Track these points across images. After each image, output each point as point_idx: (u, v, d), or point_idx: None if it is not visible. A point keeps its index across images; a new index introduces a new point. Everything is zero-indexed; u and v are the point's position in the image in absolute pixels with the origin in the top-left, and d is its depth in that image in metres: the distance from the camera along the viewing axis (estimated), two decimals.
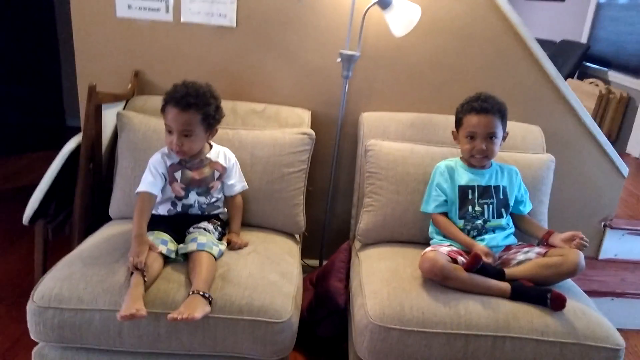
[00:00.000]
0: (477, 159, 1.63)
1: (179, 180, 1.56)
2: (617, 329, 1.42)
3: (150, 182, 1.50)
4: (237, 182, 1.66)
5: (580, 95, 3.97)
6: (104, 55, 1.95)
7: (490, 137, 1.61)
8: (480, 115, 1.59)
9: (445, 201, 1.64)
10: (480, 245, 1.54)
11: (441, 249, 1.50)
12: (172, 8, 1.89)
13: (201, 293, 1.29)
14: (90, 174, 1.73)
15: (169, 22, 1.92)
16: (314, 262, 2.19)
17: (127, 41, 1.94)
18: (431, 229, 1.69)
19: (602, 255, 2.37)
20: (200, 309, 1.25)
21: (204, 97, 1.51)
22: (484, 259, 1.45)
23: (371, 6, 1.80)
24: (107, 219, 1.74)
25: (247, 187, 1.68)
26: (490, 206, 1.62)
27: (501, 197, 1.65)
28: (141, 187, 1.50)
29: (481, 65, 2.01)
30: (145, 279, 1.31)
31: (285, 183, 1.73)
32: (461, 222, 1.62)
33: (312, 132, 1.81)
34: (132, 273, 1.32)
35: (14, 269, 2.21)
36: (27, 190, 1.68)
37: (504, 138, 1.66)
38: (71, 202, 1.71)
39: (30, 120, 4.00)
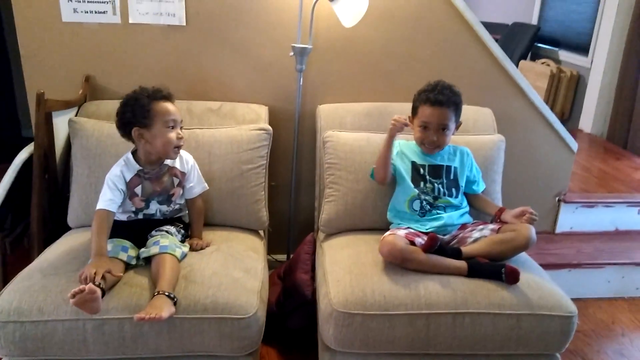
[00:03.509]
0: (427, 148, 1.69)
1: (139, 195, 1.54)
2: (576, 299, 1.48)
3: (108, 199, 1.47)
4: (196, 185, 1.64)
5: (533, 76, 4.12)
6: (53, 61, 1.91)
7: (443, 129, 1.65)
8: (434, 108, 1.63)
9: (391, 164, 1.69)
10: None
11: (399, 232, 1.55)
12: (119, 10, 1.86)
13: (166, 293, 1.29)
14: (45, 184, 1.70)
15: (117, 24, 1.89)
16: (282, 257, 2.21)
17: (75, 46, 1.90)
18: (389, 214, 1.73)
19: (558, 229, 2.46)
20: (166, 309, 1.25)
21: None
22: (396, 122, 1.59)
23: None
24: (65, 228, 1.71)
25: (207, 187, 1.68)
26: (440, 185, 1.67)
27: (451, 177, 1.70)
28: (100, 205, 1.47)
29: (431, 51, 2.05)
30: (102, 286, 1.27)
31: (245, 180, 1.74)
32: (416, 192, 1.65)
33: (269, 127, 1.82)
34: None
35: None
36: None
37: (457, 127, 1.71)
38: (28, 213, 1.68)
39: None
